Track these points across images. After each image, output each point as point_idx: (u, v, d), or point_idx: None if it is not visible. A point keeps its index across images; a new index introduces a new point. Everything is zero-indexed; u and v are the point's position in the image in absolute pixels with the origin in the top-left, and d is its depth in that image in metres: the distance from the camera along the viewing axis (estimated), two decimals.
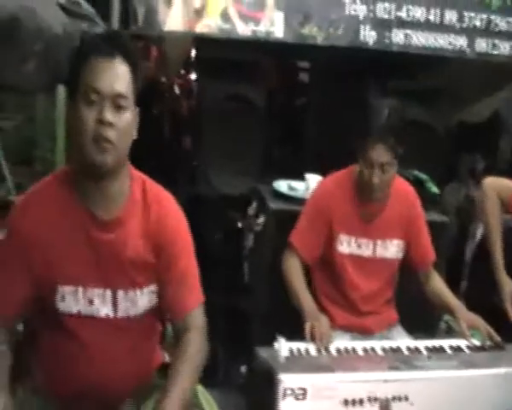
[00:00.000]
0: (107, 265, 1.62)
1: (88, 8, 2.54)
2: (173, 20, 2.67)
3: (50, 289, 1.61)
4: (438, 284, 2.45)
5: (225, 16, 2.76)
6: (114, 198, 1.62)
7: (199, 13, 2.70)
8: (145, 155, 1.78)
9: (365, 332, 2.36)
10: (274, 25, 2.82)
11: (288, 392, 1.75)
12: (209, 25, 2.72)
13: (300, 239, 2.37)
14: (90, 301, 1.63)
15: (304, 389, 1.76)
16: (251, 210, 3.07)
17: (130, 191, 1.64)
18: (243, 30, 2.78)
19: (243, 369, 3.07)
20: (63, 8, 2.24)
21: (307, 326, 2.12)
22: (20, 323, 1.72)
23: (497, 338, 2.17)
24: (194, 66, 3.48)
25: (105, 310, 1.65)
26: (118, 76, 1.54)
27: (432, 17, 3.04)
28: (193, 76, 3.51)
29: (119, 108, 1.53)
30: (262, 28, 2.81)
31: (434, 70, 3.32)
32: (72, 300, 1.63)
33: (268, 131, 3.31)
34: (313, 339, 2.08)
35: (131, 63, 1.56)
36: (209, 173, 3.30)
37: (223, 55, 2.98)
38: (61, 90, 2.68)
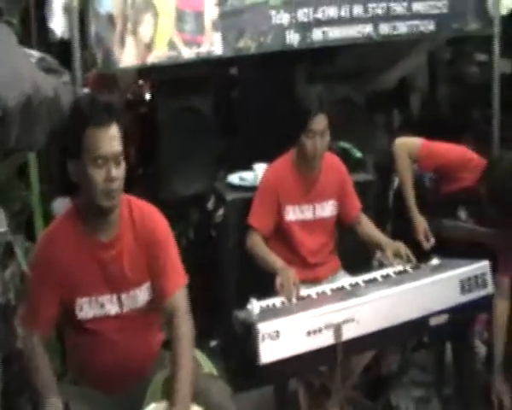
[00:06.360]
0: (113, 275, 2.01)
1: (52, 61, 2.76)
2: (127, 57, 2.93)
3: (71, 303, 1.98)
4: (367, 226, 2.93)
5: (171, 45, 3.04)
6: (112, 223, 2.00)
7: (149, 46, 2.97)
8: None
9: (315, 281, 2.79)
10: (214, 44, 3.14)
11: (266, 336, 2.09)
12: (158, 55, 3.00)
13: (257, 219, 2.81)
14: (102, 306, 2.00)
15: (277, 331, 2.10)
16: (210, 205, 3.42)
17: (120, 213, 2.01)
18: (188, 53, 3.09)
19: (213, 343, 3.42)
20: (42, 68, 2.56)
21: (278, 280, 2.51)
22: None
23: (413, 260, 2.66)
24: (149, 89, 3.75)
25: (114, 309, 2.02)
26: (115, 139, 1.89)
27: (343, 13, 3.44)
28: (148, 97, 3.75)
29: (118, 163, 1.90)
30: (203, 49, 3.12)
31: (350, 54, 3.80)
32: (88, 308, 1.99)
33: (217, 134, 3.59)
34: (283, 290, 2.46)
35: (121, 124, 1.92)
36: (171, 180, 3.44)
37: (173, 77, 3.27)
38: None
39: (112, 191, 1.89)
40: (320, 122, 2.68)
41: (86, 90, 2.98)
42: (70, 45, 2.85)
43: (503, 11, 3.97)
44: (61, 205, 2.95)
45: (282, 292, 2.48)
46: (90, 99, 1.97)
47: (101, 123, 1.86)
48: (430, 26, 3.71)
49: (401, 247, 2.70)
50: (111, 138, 1.88)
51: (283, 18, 3.32)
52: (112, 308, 2.02)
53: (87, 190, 1.91)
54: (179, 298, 2.04)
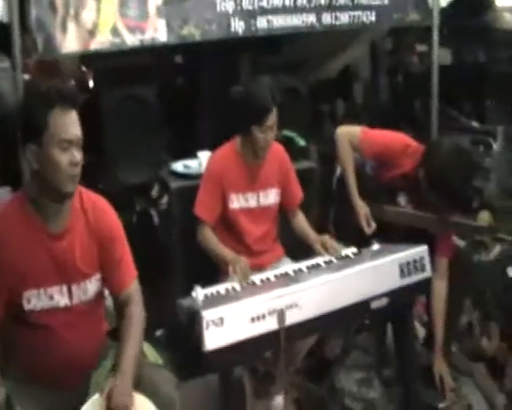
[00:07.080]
0: (64, 266, 1.97)
1: None
2: (69, 43, 2.88)
3: (18, 295, 1.91)
4: (301, 221, 3.00)
5: (115, 31, 3.00)
6: (63, 213, 1.96)
7: (92, 32, 2.93)
8: None
9: (260, 268, 2.79)
10: (157, 31, 3.12)
11: (210, 323, 2.08)
12: (101, 41, 2.96)
13: (202, 208, 2.81)
14: (51, 297, 1.95)
15: (221, 318, 2.10)
16: (154, 192, 3.43)
17: (71, 203, 1.98)
18: (132, 40, 3.05)
19: (159, 332, 3.38)
20: None
21: (231, 268, 2.55)
22: None
23: (339, 253, 2.72)
24: (92, 77, 3.69)
25: (63, 301, 1.98)
26: (77, 124, 1.89)
27: (287, 2, 3.49)
28: (91, 84, 3.68)
29: (79, 148, 1.90)
30: (147, 36, 3.09)
31: (294, 44, 3.85)
32: (36, 300, 1.93)
33: (162, 122, 3.53)
34: (237, 276, 2.50)
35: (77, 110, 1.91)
36: (115, 169, 3.37)
37: (117, 64, 3.20)
38: None
39: (75, 176, 1.89)
40: (273, 118, 2.72)
41: (27, 76, 2.91)
42: (9, 30, 2.77)
43: (443, 3, 4.09)
44: (2, 195, 2.88)
45: (236, 278, 2.51)
46: (53, 83, 1.94)
47: (66, 105, 1.87)
48: (371, 17, 3.80)
49: (326, 239, 2.78)
50: (75, 122, 1.89)
51: (228, 6, 3.33)
52: (61, 300, 1.98)
53: (48, 176, 1.87)
54: (135, 289, 2.11)
